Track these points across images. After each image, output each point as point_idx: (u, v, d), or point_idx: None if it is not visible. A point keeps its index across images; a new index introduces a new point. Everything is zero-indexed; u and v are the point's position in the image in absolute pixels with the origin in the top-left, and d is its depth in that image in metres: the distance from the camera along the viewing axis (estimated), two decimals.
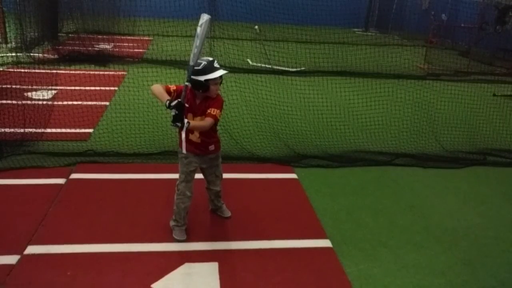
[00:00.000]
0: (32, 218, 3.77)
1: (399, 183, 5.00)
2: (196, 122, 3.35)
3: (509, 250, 3.87)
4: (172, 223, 3.70)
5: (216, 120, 3.36)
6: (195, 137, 3.49)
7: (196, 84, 3.31)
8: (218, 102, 3.41)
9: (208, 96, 3.39)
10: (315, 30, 11.12)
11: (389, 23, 19.10)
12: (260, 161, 5.22)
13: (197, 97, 3.41)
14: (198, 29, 3.29)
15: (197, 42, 3.27)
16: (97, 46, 11.20)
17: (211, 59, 3.34)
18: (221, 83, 3.43)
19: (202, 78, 3.25)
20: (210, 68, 3.27)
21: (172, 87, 3.39)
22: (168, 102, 3.19)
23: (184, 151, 3.42)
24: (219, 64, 3.37)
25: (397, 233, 3.99)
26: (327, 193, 4.65)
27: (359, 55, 8.88)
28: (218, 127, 3.68)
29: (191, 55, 3.26)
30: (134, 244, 3.53)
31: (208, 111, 3.34)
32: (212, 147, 3.59)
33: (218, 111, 3.37)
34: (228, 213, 4.02)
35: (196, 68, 3.25)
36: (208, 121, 3.32)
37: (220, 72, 3.31)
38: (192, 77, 3.26)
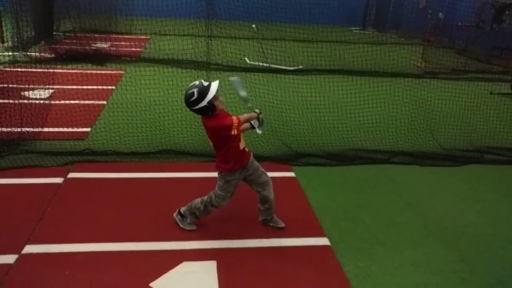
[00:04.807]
0: (30, 218, 3.76)
1: (397, 181, 5.01)
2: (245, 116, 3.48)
3: (506, 247, 3.89)
4: (190, 217, 3.72)
5: (237, 120, 3.35)
6: (243, 143, 3.52)
7: (203, 111, 3.32)
8: (222, 118, 3.37)
9: (216, 114, 3.38)
10: (312, 29, 11.11)
11: (387, 22, 19.11)
12: (258, 159, 5.19)
13: (209, 120, 3.39)
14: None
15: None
16: (94, 45, 11.16)
17: (197, 82, 3.31)
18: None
19: (204, 103, 3.25)
20: (203, 91, 3.25)
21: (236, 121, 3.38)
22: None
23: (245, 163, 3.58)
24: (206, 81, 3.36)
25: (395, 231, 4.00)
26: (325, 192, 4.65)
27: (357, 53, 8.86)
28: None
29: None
30: (132, 243, 3.53)
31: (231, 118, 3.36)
32: (247, 148, 3.62)
33: (233, 117, 3.38)
34: (282, 223, 3.90)
35: (192, 100, 3.25)
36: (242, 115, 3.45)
37: (214, 86, 3.28)
38: (194, 108, 3.29)
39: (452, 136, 6.26)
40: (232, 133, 3.30)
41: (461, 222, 4.24)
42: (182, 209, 3.76)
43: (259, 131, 3.63)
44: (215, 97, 3.27)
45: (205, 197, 3.66)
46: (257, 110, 3.57)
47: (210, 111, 3.32)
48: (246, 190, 4.37)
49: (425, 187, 4.93)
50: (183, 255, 3.43)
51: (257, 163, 3.69)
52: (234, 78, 3.55)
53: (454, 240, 3.93)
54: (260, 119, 3.59)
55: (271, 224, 3.87)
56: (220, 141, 3.41)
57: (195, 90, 3.25)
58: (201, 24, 8.76)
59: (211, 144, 3.51)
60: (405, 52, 9.71)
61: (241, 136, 3.50)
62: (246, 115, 3.48)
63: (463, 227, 4.15)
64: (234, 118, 3.34)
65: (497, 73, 11.29)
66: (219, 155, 3.50)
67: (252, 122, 3.59)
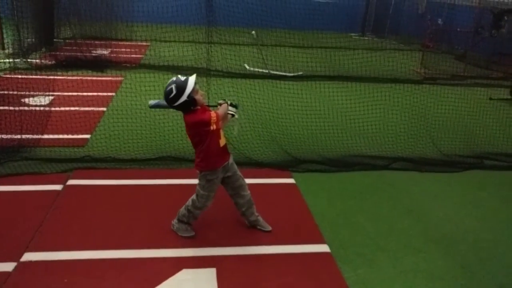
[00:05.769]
0: (29, 225, 3.75)
1: (397, 188, 5.00)
2: (220, 110, 3.44)
3: (507, 253, 3.88)
4: (182, 226, 3.72)
5: (215, 114, 3.33)
6: (223, 140, 3.51)
7: (184, 107, 3.30)
8: (201, 113, 3.36)
9: (196, 109, 3.37)
10: (312, 35, 11.16)
11: (386, 28, 19.17)
12: (258, 166, 5.22)
13: (188, 116, 3.37)
14: None
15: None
16: (94, 51, 11.20)
17: (174, 78, 3.31)
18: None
19: (184, 98, 3.23)
20: (182, 85, 3.24)
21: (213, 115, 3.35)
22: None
23: (228, 160, 3.55)
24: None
25: (395, 238, 3.99)
26: (324, 198, 4.65)
27: (356, 59, 8.89)
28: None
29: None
30: (131, 250, 3.52)
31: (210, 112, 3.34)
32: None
33: (211, 112, 3.36)
34: (268, 227, 3.90)
35: (171, 96, 3.24)
36: (219, 109, 3.45)
37: (192, 80, 3.27)
38: (176, 105, 3.27)
39: (451, 142, 6.26)
40: (211, 128, 3.29)
41: (461, 228, 4.23)
42: (173, 221, 3.79)
43: (236, 115, 3.58)
44: (194, 91, 3.27)
45: (186, 202, 3.67)
46: (221, 101, 3.56)
47: (191, 105, 3.30)
48: None
49: (425, 193, 4.93)
50: (182, 262, 3.42)
51: (235, 166, 3.68)
52: (153, 101, 3.53)
53: (454, 246, 3.92)
54: (231, 104, 3.56)
55: (258, 227, 3.89)
56: (200, 137, 3.37)
57: (173, 86, 3.24)
58: (201, 31, 8.79)
59: (190, 141, 3.48)
60: (404, 58, 9.75)
61: (222, 133, 3.49)
62: (220, 110, 3.46)
63: (463, 233, 4.15)
64: (213, 113, 3.33)
65: (497, 78, 11.31)
66: (199, 153, 3.44)
67: (228, 111, 3.53)
